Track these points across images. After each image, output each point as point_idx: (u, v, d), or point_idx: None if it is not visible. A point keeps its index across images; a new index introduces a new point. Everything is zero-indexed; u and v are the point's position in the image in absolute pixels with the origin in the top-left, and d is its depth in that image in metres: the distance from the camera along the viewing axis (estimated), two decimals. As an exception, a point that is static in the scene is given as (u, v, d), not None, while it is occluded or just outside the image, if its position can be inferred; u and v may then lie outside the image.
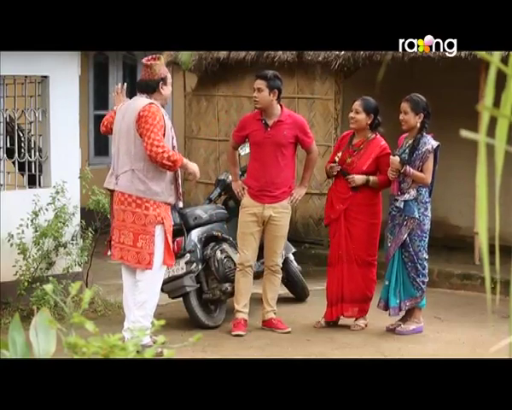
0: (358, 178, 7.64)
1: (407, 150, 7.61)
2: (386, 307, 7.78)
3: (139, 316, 6.85)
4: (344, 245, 7.74)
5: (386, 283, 7.73)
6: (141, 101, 6.90)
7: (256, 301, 8.04)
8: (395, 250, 7.66)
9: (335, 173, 7.79)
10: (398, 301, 7.69)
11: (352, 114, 7.74)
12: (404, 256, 7.66)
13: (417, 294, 7.67)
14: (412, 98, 7.61)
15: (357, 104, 7.70)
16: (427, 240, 7.66)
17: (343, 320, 7.96)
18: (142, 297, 6.91)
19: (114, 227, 7.03)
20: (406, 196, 7.59)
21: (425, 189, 7.61)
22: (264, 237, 7.83)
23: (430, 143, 7.56)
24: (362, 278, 7.78)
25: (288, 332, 7.78)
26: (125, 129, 6.91)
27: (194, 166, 7.15)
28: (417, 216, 7.56)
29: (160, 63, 6.91)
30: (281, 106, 7.73)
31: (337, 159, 7.77)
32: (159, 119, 6.78)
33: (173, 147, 6.94)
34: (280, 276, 7.97)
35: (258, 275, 8.02)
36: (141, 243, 6.86)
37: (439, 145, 7.59)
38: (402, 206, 7.60)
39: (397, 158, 7.52)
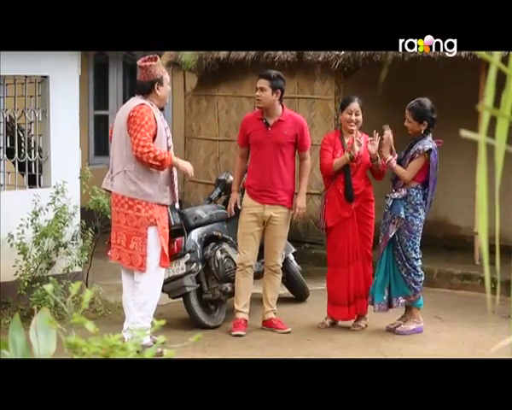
0: (374, 149, 7.66)
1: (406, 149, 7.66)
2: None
3: (139, 317, 6.83)
4: (359, 242, 7.76)
5: (375, 279, 7.76)
6: (134, 102, 6.90)
7: (256, 301, 8.04)
8: (384, 247, 7.69)
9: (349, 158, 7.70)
10: (384, 298, 7.69)
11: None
12: (394, 254, 7.69)
13: (410, 292, 7.67)
14: (414, 107, 7.55)
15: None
16: (416, 240, 7.64)
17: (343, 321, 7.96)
18: (142, 298, 6.89)
19: (112, 228, 7.03)
20: (396, 195, 7.64)
21: (416, 190, 7.61)
22: (264, 238, 7.83)
23: (423, 144, 7.52)
24: (368, 272, 7.83)
25: (288, 332, 7.77)
26: (118, 130, 6.92)
27: (185, 165, 7.12)
28: (403, 216, 7.57)
29: (155, 64, 6.85)
30: (282, 106, 7.73)
31: (351, 153, 7.66)
32: (148, 119, 6.75)
33: (168, 147, 6.92)
34: (280, 276, 7.97)
35: (258, 275, 8.02)
36: (133, 244, 6.83)
37: (431, 149, 7.52)
38: (390, 204, 7.64)
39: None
